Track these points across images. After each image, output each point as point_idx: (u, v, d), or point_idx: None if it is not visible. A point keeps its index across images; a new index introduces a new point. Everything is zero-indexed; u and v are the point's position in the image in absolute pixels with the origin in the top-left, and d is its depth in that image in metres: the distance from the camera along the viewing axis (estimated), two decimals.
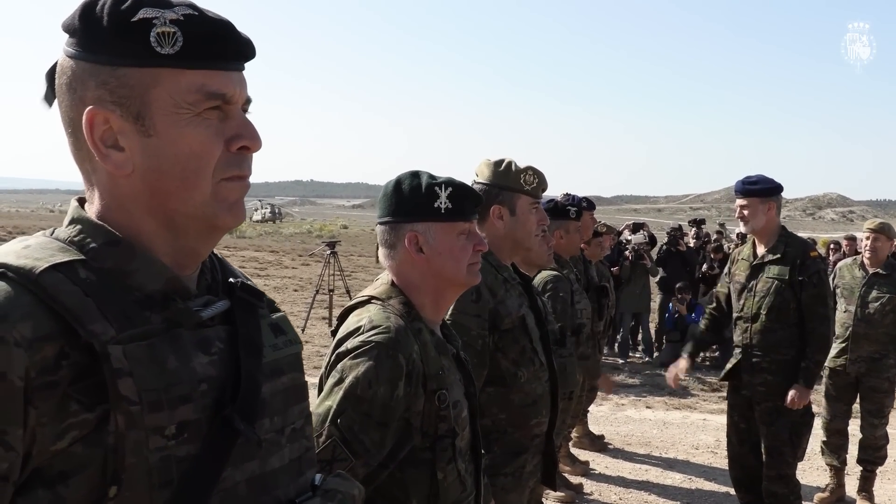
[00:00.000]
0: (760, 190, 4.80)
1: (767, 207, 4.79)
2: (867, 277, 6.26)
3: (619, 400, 9.15)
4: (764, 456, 4.94)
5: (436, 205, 2.00)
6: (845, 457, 6.27)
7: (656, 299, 12.53)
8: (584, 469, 6.63)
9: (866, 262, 6.35)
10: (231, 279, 1.22)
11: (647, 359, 11.77)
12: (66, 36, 1.08)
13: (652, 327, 12.41)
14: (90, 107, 1.04)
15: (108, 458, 0.96)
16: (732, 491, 6.37)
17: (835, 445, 6.22)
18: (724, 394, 9.67)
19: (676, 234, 12.35)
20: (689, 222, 13.67)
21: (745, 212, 4.83)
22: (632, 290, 11.28)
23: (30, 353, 0.93)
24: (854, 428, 6.34)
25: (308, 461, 1.24)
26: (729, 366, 5.14)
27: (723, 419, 8.53)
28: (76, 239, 1.07)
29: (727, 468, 6.92)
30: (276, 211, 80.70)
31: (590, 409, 7.54)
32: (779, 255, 4.82)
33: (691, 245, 12.71)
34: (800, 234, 14.36)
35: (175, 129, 1.05)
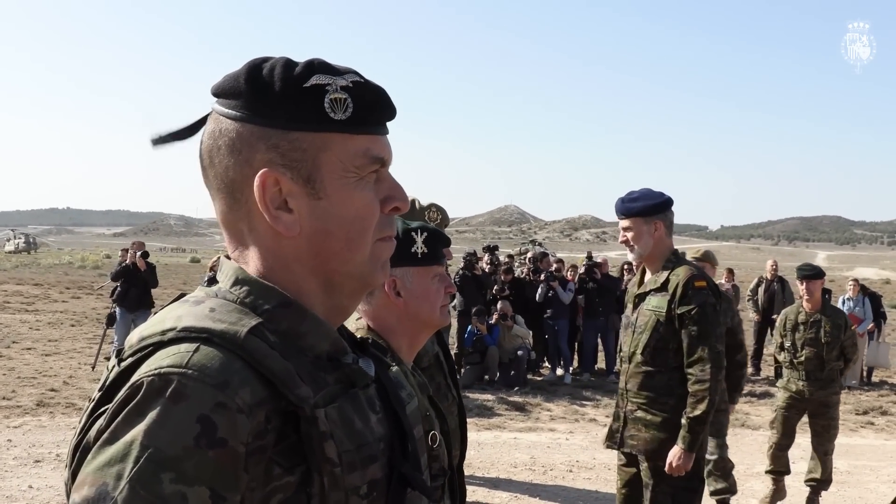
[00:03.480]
0: (643, 208, 4.08)
1: (653, 228, 4.09)
2: None
3: None
4: None
5: (413, 250, 2.08)
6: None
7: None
8: None
9: None
10: (358, 336, 1.25)
11: None
12: (222, 98, 1.09)
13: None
14: (264, 169, 1.05)
15: None
16: None
17: None
18: (529, 412, 10.32)
19: (472, 258, 12.84)
20: (483, 248, 14.20)
21: (629, 234, 4.13)
22: None
23: (250, 419, 0.94)
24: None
25: None
26: (612, 424, 4.35)
27: (532, 437, 9.06)
28: (247, 300, 1.06)
29: (547, 484, 7.36)
30: (31, 241, 75.79)
31: None
32: (661, 284, 4.11)
33: (486, 269, 13.19)
34: (560, 255, 14.91)
35: (344, 192, 1.08)
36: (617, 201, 4.18)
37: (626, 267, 14.13)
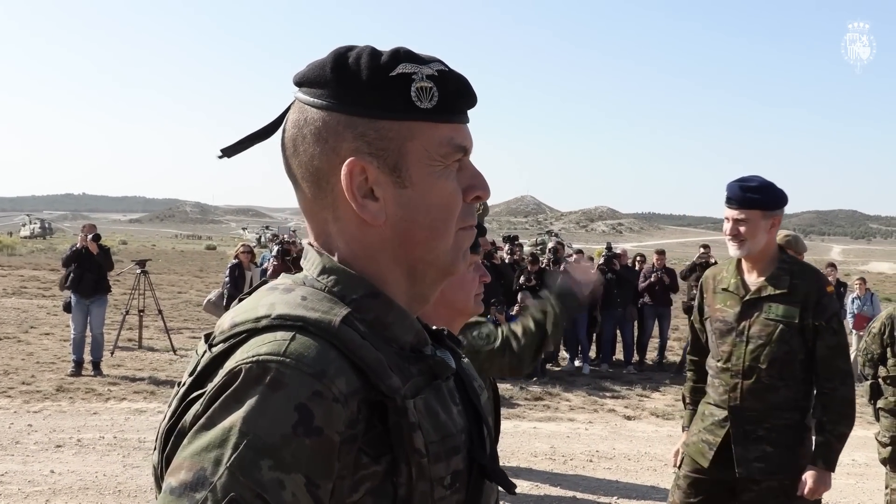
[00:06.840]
0: (767, 201, 3.58)
1: (770, 224, 3.61)
2: None
3: None
4: None
5: None
6: None
7: None
8: None
9: None
10: (433, 326, 1.24)
11: None
12: (306, 86, 1.10)
13: None
14: (351, 157, 1.05)
15: None
16: (579, 494, 6.74)
17: None
18: (548, 402, 10.31)
19: (492, 249, 12.81)
20: (504, 238, 14.20)
21: (742, 228, 3.59)
22: None
23: (345, 409, 0.94)
24: None
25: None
26: (710, 439, 3.77)
27: (551, 427, 9.04)
28: (335, 289, 1.07)
29: (567, 473, 7.34)
30: (46, 226, 76.48)
31: None
32: (785, 290, 3.62)
33: (506, 260, 13.18)
34: (576, 246, 14.65)
35: (429, 181, 1.08)
36: (733, 187, 3.65)
37: (637, 258, 14.14)
